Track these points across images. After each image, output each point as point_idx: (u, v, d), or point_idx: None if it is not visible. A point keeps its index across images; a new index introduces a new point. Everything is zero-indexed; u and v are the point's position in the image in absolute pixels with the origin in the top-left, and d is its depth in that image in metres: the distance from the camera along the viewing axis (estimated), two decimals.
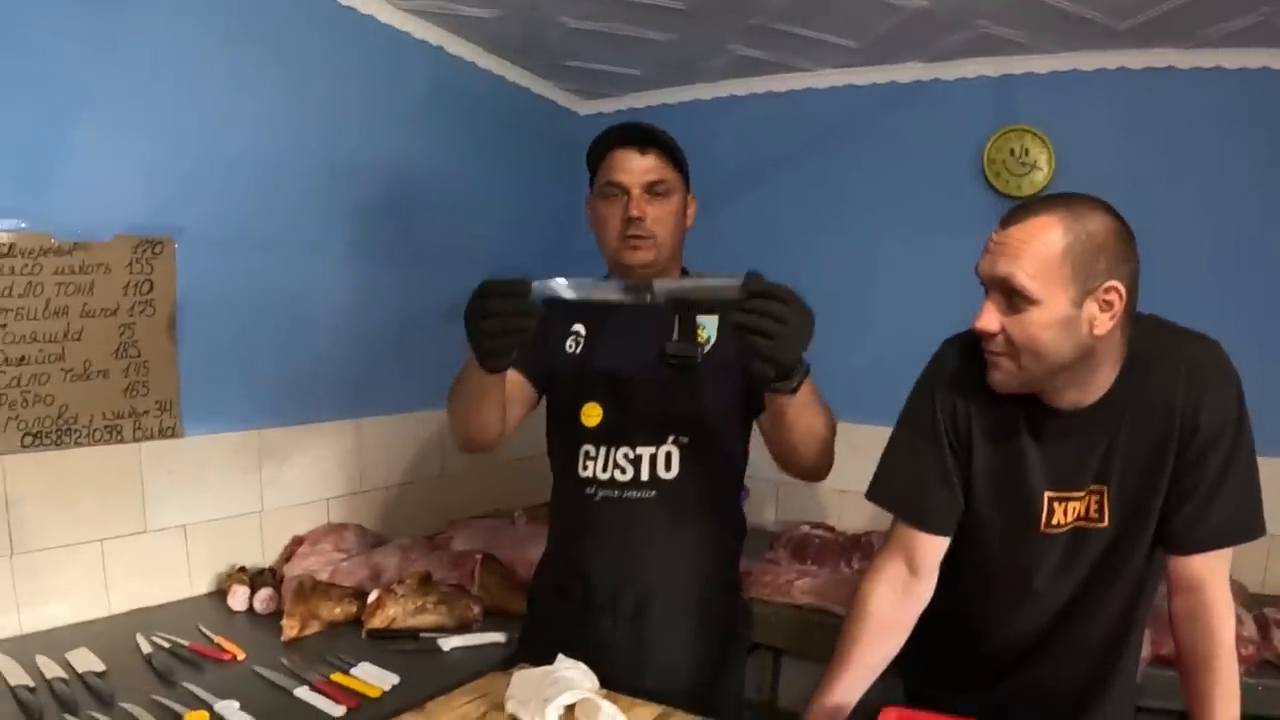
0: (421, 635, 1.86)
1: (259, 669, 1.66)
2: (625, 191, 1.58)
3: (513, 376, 1.57)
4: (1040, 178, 2.66)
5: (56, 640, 1.74)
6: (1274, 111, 2.45)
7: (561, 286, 1.27)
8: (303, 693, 1.56)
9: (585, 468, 1.61)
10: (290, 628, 1.83)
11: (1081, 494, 1.32)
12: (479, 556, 2.10)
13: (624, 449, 1.59)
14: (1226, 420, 1.25)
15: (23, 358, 1.77)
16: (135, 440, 1.96)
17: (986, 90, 2.74)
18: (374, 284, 2.53)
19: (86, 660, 1.65)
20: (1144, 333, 1.28)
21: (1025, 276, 1.17)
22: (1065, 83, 2.66)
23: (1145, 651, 1.81)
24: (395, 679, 1.63)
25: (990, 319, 1.23)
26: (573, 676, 1.34)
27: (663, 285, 1.25)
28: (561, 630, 1.59)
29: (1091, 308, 1.19)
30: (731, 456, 1.67)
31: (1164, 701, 1.81)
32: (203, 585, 2.11)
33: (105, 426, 1.91)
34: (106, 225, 1.89)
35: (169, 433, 2.01)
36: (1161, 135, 2.56)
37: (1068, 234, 1.17)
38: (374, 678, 1.63)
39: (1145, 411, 1.27)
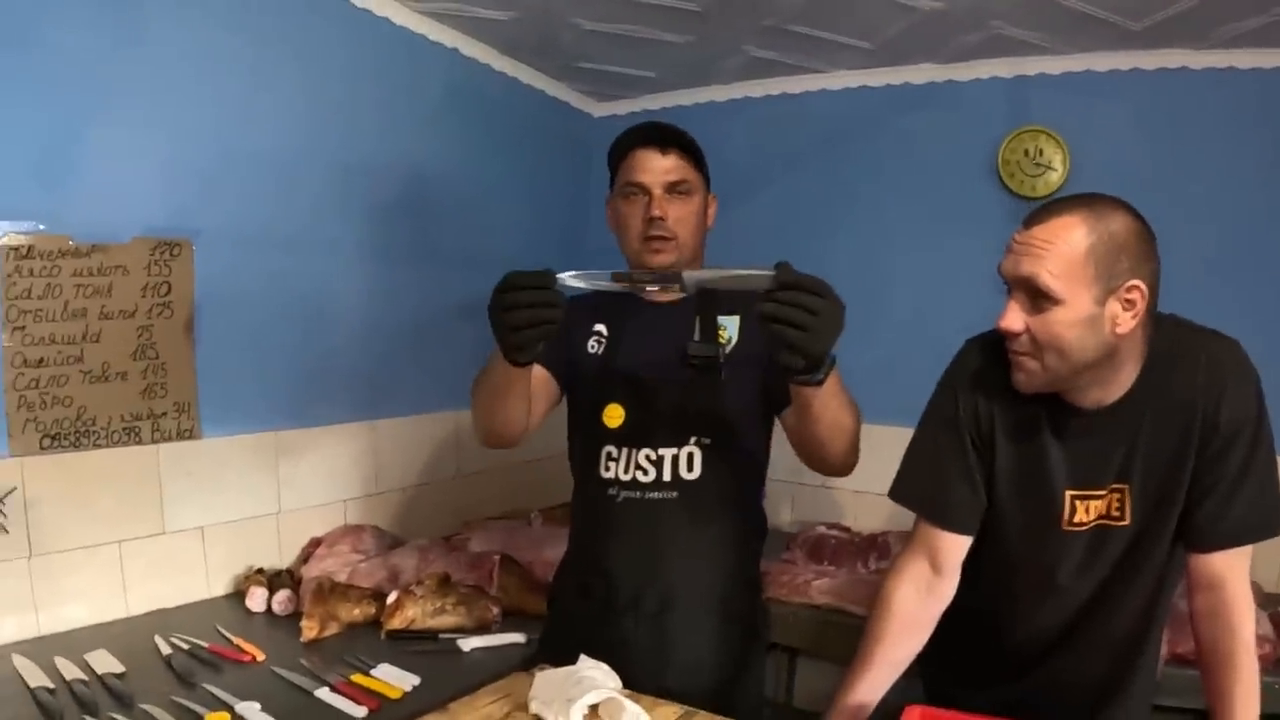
0: (441, 636, 1.86)
1: (279, 670, 1.65)
2: (646, 192, 1.58)
3: (537, 371, 1.56)
4: (1055, 178, 2.66)
5: (75, 641, 1.73)
6: None
7: (588, 277, 1.27)
8: (324, 694, 1.56)
9: (607, 469, 1.61)
10: (309, 629, 1.83)
11: (1103, 492, 1.32)
12: (497, 557, 2.10)
13: (646, 450, 1.58)
14: (1246, 417, 1.26)
15: (41, 359, 1.77)
16: (153, 442, 1.95)
17: (1000, 91, 2.74)
18: (389, 285, 2.53)
19: (106, 662, 1.64)
20: (1164, 332, 1.29)
21: (1049, 276, 1.18)
22: (1079, 84, 2.65)
23: (1162, 650, 1.80)
24: (416, 680, 1.63)
25: (1014, 319, 1.23)
26: (596, 676, 1.34)
27: (692, 276, 1.25)
28: (584, 630, 1.59)
29: (1114, 307, 1.20)
30: (753, 456, 1.66)
31: (1180, 700, 1.80)
32: (220, 587, 2.10)
33: (123, 428, 1.90)
34: (125, 226, 1.89)
35: (187, 434, 2.01)
36: (1175, 135, 2.55)
37: (1091, 234, 1.18)
38: (394, 679, 1.63)
39: (1166, 410, 1.27)
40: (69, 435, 1.82)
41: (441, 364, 2.64)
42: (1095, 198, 1.23)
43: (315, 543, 2.26)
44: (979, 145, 2.75)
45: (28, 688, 1.52)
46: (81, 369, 1.83)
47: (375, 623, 1.89)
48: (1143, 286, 1.20)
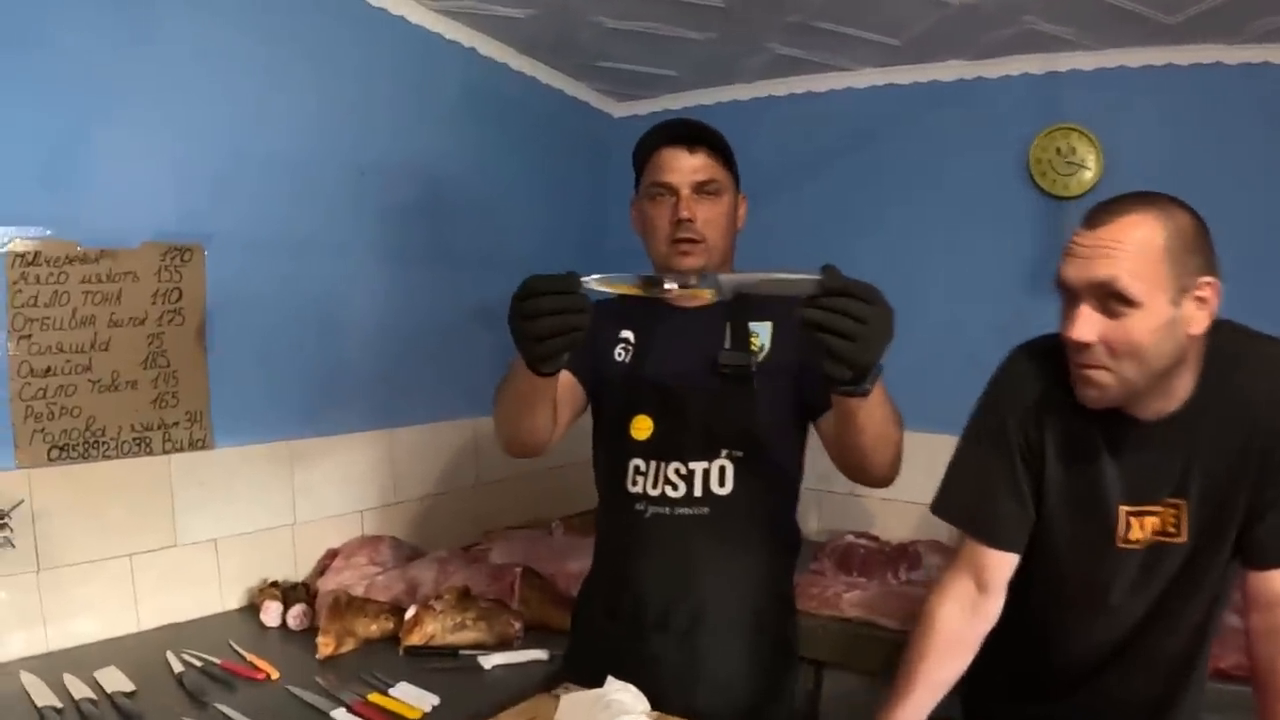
0: (461, 653, 1.80)
1: (293, 689, 1.61)
2: (673, 192, 1.51)
3: (563, 378, 1.49)
4: (1088, 177, 2.59)
5: (85, 658, 1.69)
6: None
7: (614, 281, 1.17)
8: (340, 714, 1.51)
9: (635, 483, 1.54)
10: (325, 645, 1.78)
11: (1159, 508, 1.26)
12: (519, 569, 2.04)
13: (675, 464, 1.51)
14: None
15: (49, 369, 1.73)
16: (164, 452, 1.91)
17: (1031, 88, 2.67)
18: (405, 288, 2.48)
19: (115, 680, 1.60)
20: (1219, 336, 1.22)
21: (1130, 278, 1.11)
22: (1112, 80, 2.58)
23: None
24: (435, 700, 1.57)
25: (1087, 328, 1.16)
26: (624, 700, 1.28)
27: (729, 279, 1.16)
28: (610, 648, 1.53)
29: (1189, 306, 1.14)
30: (787, 469, 1.59)
31: (1224, 716, 1.73)
32: (234, 600, 2.06)
33: (134, 439, 1.86)
34: (135, 231, 1.85)
35: (199, 444, 1.97)
36: (1210, 132, 2.48)
37: (1163, 231, 1.12)
38: (413, 698, 1.57)
39: (1225, 419, 1.21)
40: (77, 446, 1.78)
41: (459, 369, 2.60)
42: (1153, 194, 1.17)
43: (331, 554, 2.21)
44: (1009, 144, 2.68)
45: (35, 707, 1.48)
46: (90, 378, 1.79)
47: (393, 638, 1.84)
48: (1216, 283, 1.14)
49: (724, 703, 1.48)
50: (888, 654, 1.98)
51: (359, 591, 1.99)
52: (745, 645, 1.53)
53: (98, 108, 1.78)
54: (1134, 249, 1.12)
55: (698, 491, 1.50)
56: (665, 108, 3.20)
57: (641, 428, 1.54)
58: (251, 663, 1.71)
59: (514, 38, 2.70)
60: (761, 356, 1.52)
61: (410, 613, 1.83)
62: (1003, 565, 1.34)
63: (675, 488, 1.51)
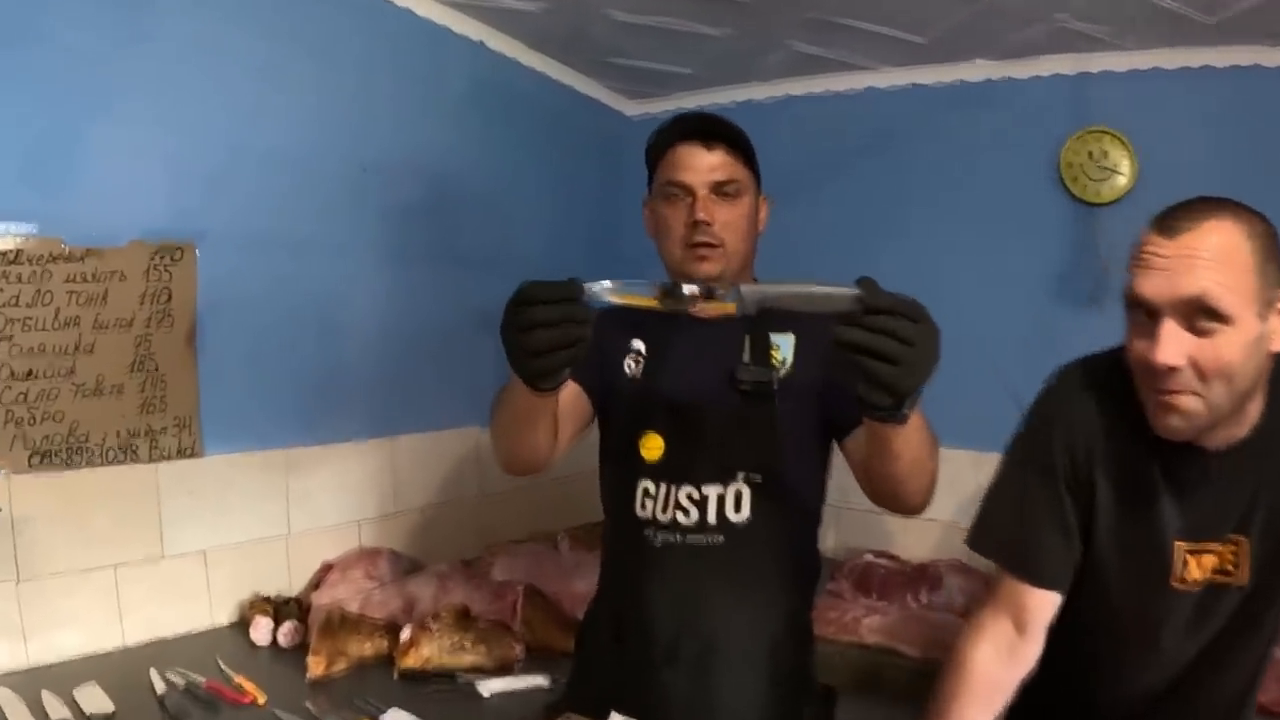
0: (459, 677, 1.72)
1: (280, 713, 1.54)
2: (689, 192, 1.40)
3: (568, 388, 1.39)
4: (1122, 183, 2.48)
5: (65, 674, 1.63)
6: None
7: (625, 290, 1.05)
8: None
9: (643, 507, 1.44)
10: (316, 665, 1.70)
11: (1219, 545, 1.15)
12: (521, 588, 1.95)
13: (687, 488, 1.40)
14: None
15: (30, 372, 1.66)
16: (151, 460, 1.85)
17: (1062, 90, 2.57)
18: (407, 291, 2.40)
19: (94, 699, 1.53)
20: None
21: (1221, 291, 1.00)
22: (1146, 82, 2.49)
23: None
24: None
25: (1175, 349, 1.03)
26: None
27: (752, 292, 1.03)
28: (615, 680, 1.43)
29: (1275, 320, 1.04)
30: (809, 495, 1.48)
31: None
32: (224, 615, 1.98)
33: (119, 445, 1.79)
34: (124, 229, 1.79)
35: (188, 452, 1.90)
36: (1249, 137, 2.37)
37: (1247, 238, 1.02)
38: None
39: None
40: (60, 453, 1.72)
41: (462, 375, 2.51)
42: (1224, 199, 1.07)
43: (327, 567, 2.13)
44: (1039, 147, 2.58)
45: None
46: (74, 382, 1.73)
47: (388, 659, 1.77)
48: None
49: None
50: (908, 682, 1.89)
51: (353, 608, 1.91)
52: (760, 678, 1.42)
53: (87, 101, 1.73)
54: (1221, 258, 1.01)
55: (711, 519, 1.40)
56: (680, 106, 3.08)
57: (651, 447, 1.43)
58: (238, 684, 1.64)
59: (524, 32, 2.62)
60: (783, 371, 1.41)
61: (406, 633, 1.75)
62: (1044, 605, 1.23)
63: (687, 514, 1.40)
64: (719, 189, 1.40)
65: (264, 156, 2.02)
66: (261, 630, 1.87)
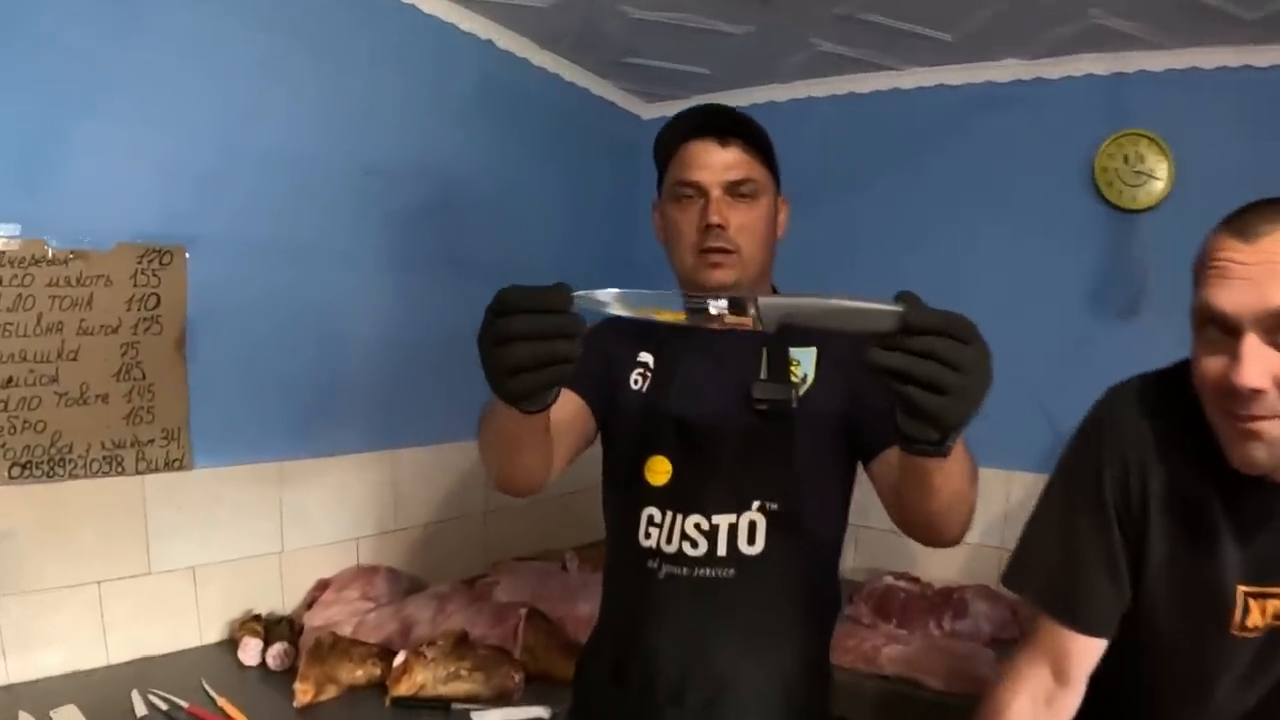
0: (453, 707, 1.63)
1: None
2: (702, 193, 1.30)
3: (569, 400, 1.30)
4: (1159, 188, 2.39)
5: (46, 693, 1.57)
6: None
7: (616, 300, 0.90)
8: None
9: (648, 535, 1.33)
10: (303, 693, 1.61)
11: None
12: (524, 611, 1.86)
13: (696, 517, 1.29)
14: None
15: (10, 379, 1.59)
16: (138, 472, 1.77)
17: (1096, 91, 2.48)
18: (410, 299, 2.32)
19: None
20: None
21: None
22: (1183, 82, 2.40)
23: None
24: None
25: (1259, 369, 0.92)
26: None
27: (772, 306, 0.86)
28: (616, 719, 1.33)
29: None
30: (829, 524, 1.37)
31: None
32: (214, 633, 1.90)
33: (104, 457, 1.71)
34: (111, 231, 1.71)
35: (176, 464, 1.82)
36: None
37: None
38: None
39: None
40: (42, 464, 1.64)
41: (468, 386, 2.34)
42: None
43: (323, 585, 2.05)
44: (1072, 151, 2.50)
45: None
46: (56, 390, 1.65)
47: (380, 685, 1.67)
48: None
49: None
50: (930, 717, 1.80)
51: (347, 630, 1.83)
52: None
53: (77, 99, 1.66)
54: None
55: (722, 550, 1.29)
56: None
57: (658, 471, 1.33)
58: (222, 708, 1.56)
59: (535, 30, 2.55)
60: (804, 389, 1.31)
61: (399, 659, 1.67)
62: (1087, 653, 1.12)
63: (695, 545, 1.29)
64: (734, 189, 1.30)
65: (261, 157, 1.95)
66: (250, 651, 1.79)
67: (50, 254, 1.62)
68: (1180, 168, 2.37)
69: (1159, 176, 2.39)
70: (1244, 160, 2.28)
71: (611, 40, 2.58)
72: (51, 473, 1.65)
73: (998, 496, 2.40)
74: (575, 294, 0.87)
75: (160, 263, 1.76)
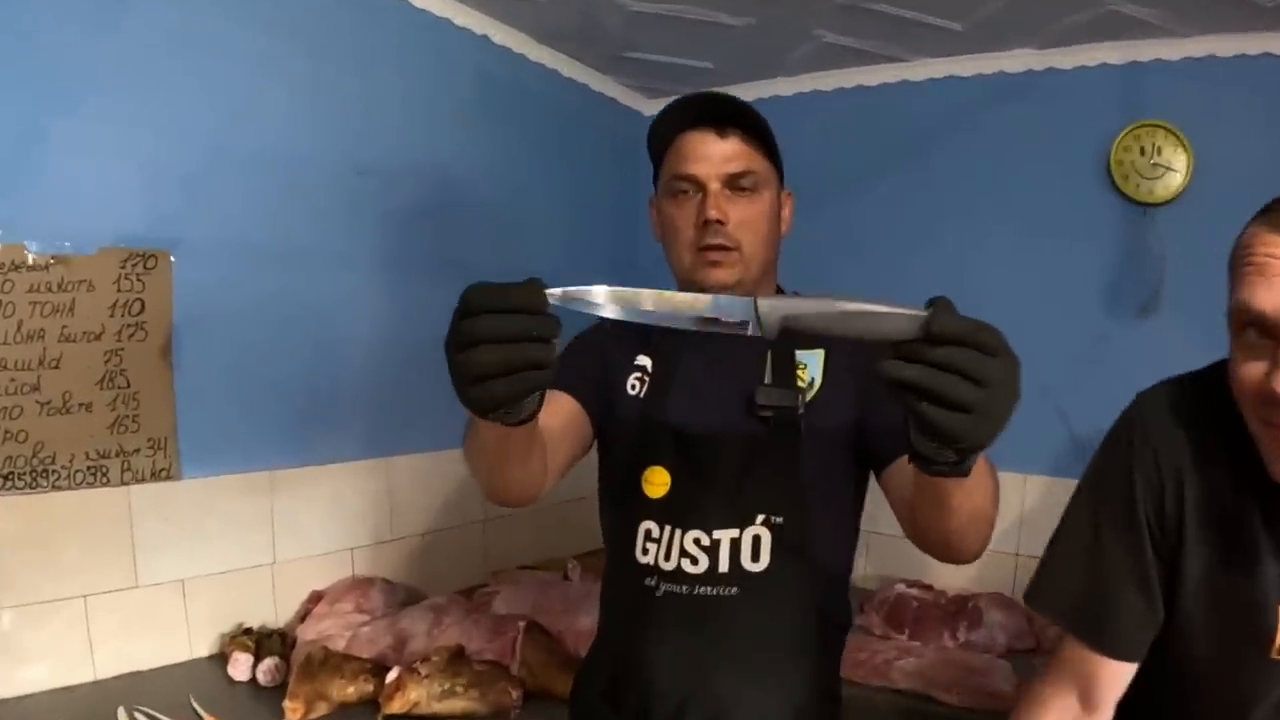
0: None
1: None
2: (700, 187, 1.24)
3: (564, 403, 1.23)
4: (1176, 181, 2.33)
5: (31, 710, 1.54)
6: None
7: (608, 299, 0.80)
8: None
9: (645, 551, 1.25)
10: (293, 711, 1.57)
11: None
12: (522, 624, 1.80)
13: (696, 532, 1.22)
14: None
15: None
16: (123, 483, 1.72)
17: (1111, 81, 2.42)
18: (406, 302, 2.27)
19: None
20: None
21: None
22: (1201, 71, 2.34)
23: None
24: None
25: None
26: None
27: (773, 308, 0.78)
28: None
29: None
30: (839, 538, 1.30)
31: None
32: (204, 647, 1.86)
33: (88, 467, 1.67)
34: (94, 235, 1.67)
35: (163, 474, 1.77)
36: None
37: None
38: None
39: None
40: (24, 475, 1.60)
41: None
42: None
43: (316, 597, 2.00)
44: (1086, 143, 2.44)
45: None
46: (38, 399, 1.61)
47: (373, 702, 1.62)
48: None
49: None
50: None
51: (340, 644, 1.78)
52: None
53: (55, 96, 1.61)
54: None
55: (723, 566, 1.21)
56: None
57: (656, 482, 1.25)
58: None
59: (532, 24, 2.50)
60: (810, 394, 1.24)
61: (392, 676, 1.61)
62: (1117, 677, 1.06)
63: (695, 561, 1.22)
64: (733, 182, 1.24)
65: (250, 158, 1.91)
66: (240, 666, 1.74)
67: (30, 259, 1.58)
68: (1199, 159, 2.31)
69: (1177, 169, 2.33)
70: (1265, 151, 2.23)
71: (610, 34, 2.53)
72: (34, 484, 1.61)
73: (1013, 501, 2.34)
74: (563, 291, 0.78)
75: (145, 267, 1.72)
